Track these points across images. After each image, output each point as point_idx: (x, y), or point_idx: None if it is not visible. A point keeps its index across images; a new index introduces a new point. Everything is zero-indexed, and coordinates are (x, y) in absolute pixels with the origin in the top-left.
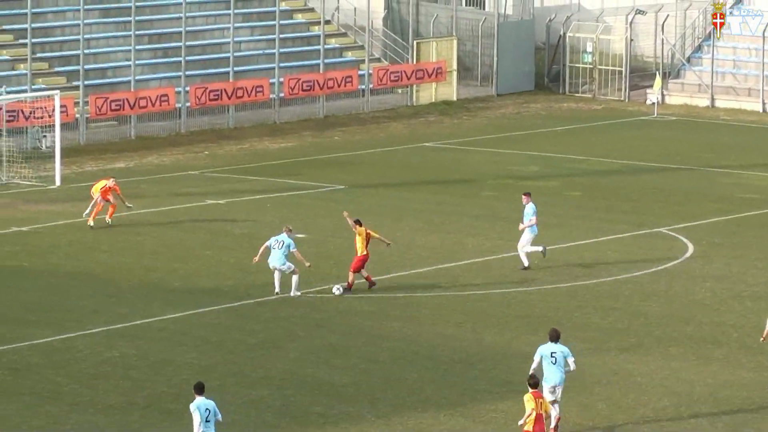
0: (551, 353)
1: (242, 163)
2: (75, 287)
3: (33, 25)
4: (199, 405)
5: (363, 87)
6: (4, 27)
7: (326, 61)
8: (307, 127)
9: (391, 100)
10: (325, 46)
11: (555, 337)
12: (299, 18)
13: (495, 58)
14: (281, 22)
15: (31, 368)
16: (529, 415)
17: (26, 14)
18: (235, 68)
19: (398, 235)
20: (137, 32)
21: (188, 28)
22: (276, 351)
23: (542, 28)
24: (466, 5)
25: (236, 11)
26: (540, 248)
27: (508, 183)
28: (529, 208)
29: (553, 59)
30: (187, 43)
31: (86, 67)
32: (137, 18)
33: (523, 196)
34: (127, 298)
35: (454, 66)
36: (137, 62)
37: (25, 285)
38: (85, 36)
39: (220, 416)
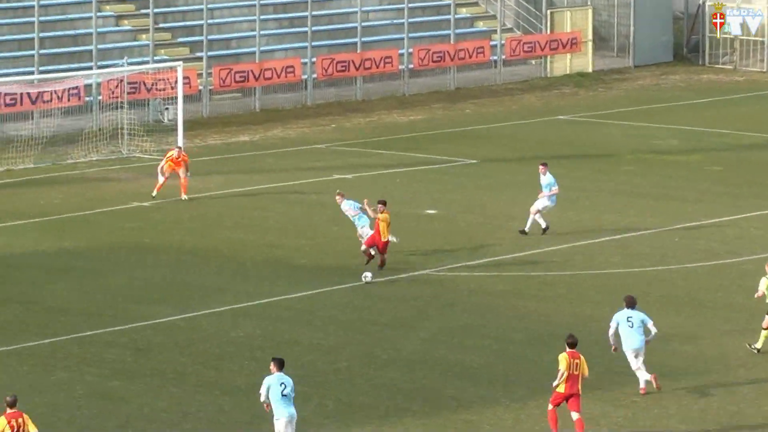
0: (627, 318)
1: (370, 136)
2: (198, 264)
3: None
4: (272, 380)
5: (495, 58)
6: None
7: (457, 31)
8: (438, 99)
9: (525, 72)
10: (456, 16)
11: (631, 304)
12: None
13: (632, 28)
14: None
15: (153, 348)
16: (561, 375)
17: None
18: (363, 39)
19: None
20: (262, 2)
21: None
22: (406, 331)
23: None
24: None
25: None
26: (545, 224)
27: (647, 158)
28: (549, 178)
29: (692, 29)
30: (314, 13)
31: (210, 37)
32: None
33: (540, 167)
34: (251, 275)
35: (590, 36)
36: (262, 32)
37: (148, 262)
38: (209, 6)
39: (293, 394)
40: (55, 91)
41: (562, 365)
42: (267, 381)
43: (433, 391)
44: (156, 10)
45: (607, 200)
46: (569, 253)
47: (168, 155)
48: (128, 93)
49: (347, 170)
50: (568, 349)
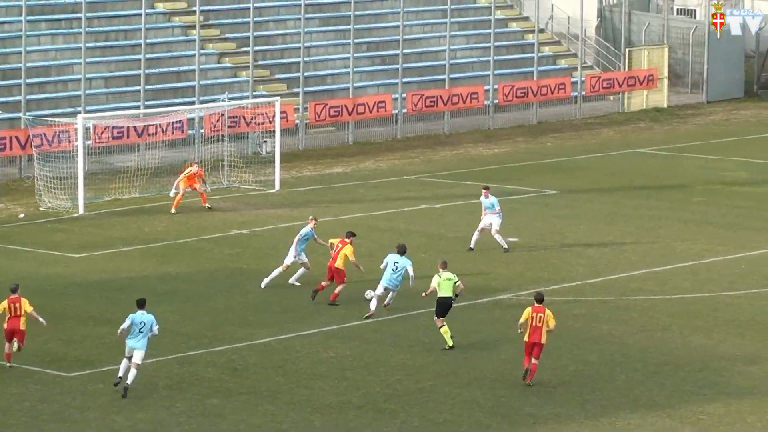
0: (394, 262)
1: (457, 168)
2: (294, 289)
3: (255, 34)
4: (135, 317)
5: (575, 94)
6: (228, 35)
7: (540, 68)
8: (521, 133)
9: (603, 107)
10: (539, 54)
11: (402, 251)
12: (514, 26)
13: (705, 66)
14: (496, 30)
15: (250, 368)
16: (521, 325)
17: (248, 23)
18: (451, 75)
19: (609, 239)
20: (356, 40)
21: (405, 36)
22: (488, 352)
23: (752, 37)
24: (677, 14)
25: (452, 20)
26: (506, 245)
27: (717, 189)
28: (492, 200)
29: (763, 67)
30: (405, 51)
31: (306, 74)
32: (356, 26)
33: (483, 190)
34: (344, 299)
35: (665, 73)
36: (356, 69)
37: (246, 287)
38: (306, 44)
39: (156, 330)
40: (160, 125)
41: (523, 317)
42: (130, 316)
43: (513, 409)
44: (256, 48)
45: (679, 229)
46: (642, 279)
47: (186, 171)
48: (229, 126)
49: (435, 200)
50: (535, 304)
